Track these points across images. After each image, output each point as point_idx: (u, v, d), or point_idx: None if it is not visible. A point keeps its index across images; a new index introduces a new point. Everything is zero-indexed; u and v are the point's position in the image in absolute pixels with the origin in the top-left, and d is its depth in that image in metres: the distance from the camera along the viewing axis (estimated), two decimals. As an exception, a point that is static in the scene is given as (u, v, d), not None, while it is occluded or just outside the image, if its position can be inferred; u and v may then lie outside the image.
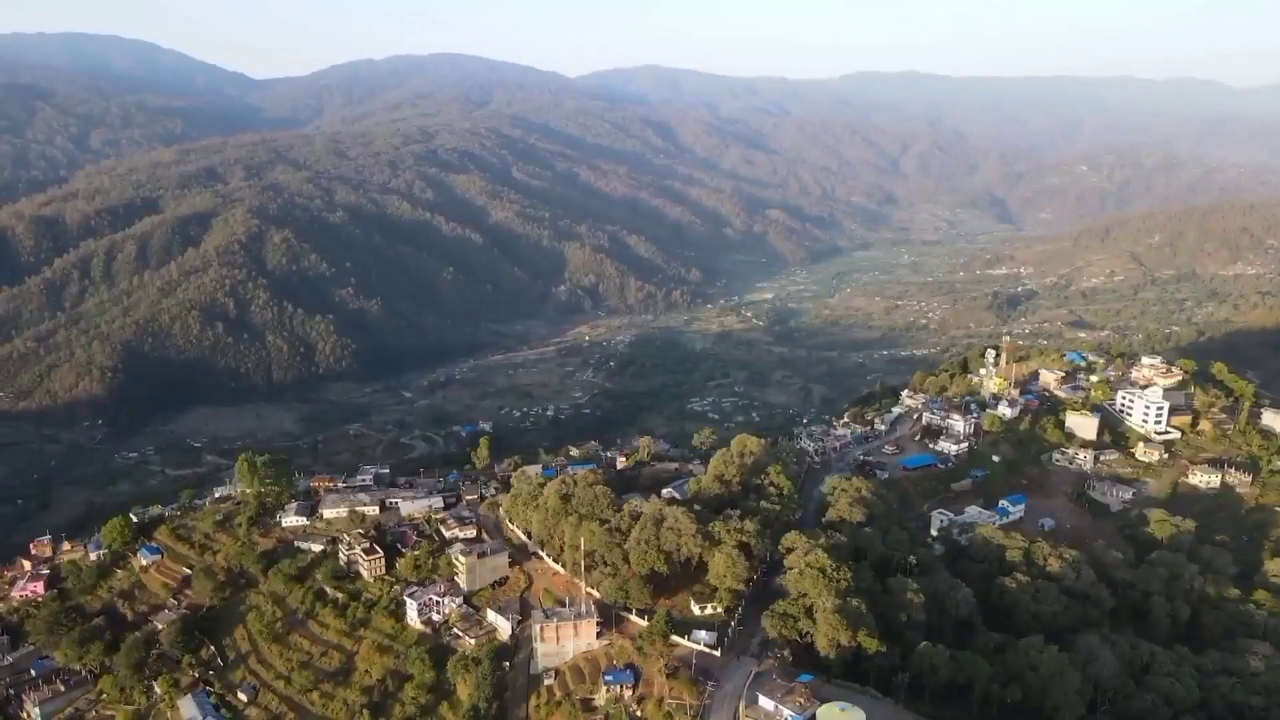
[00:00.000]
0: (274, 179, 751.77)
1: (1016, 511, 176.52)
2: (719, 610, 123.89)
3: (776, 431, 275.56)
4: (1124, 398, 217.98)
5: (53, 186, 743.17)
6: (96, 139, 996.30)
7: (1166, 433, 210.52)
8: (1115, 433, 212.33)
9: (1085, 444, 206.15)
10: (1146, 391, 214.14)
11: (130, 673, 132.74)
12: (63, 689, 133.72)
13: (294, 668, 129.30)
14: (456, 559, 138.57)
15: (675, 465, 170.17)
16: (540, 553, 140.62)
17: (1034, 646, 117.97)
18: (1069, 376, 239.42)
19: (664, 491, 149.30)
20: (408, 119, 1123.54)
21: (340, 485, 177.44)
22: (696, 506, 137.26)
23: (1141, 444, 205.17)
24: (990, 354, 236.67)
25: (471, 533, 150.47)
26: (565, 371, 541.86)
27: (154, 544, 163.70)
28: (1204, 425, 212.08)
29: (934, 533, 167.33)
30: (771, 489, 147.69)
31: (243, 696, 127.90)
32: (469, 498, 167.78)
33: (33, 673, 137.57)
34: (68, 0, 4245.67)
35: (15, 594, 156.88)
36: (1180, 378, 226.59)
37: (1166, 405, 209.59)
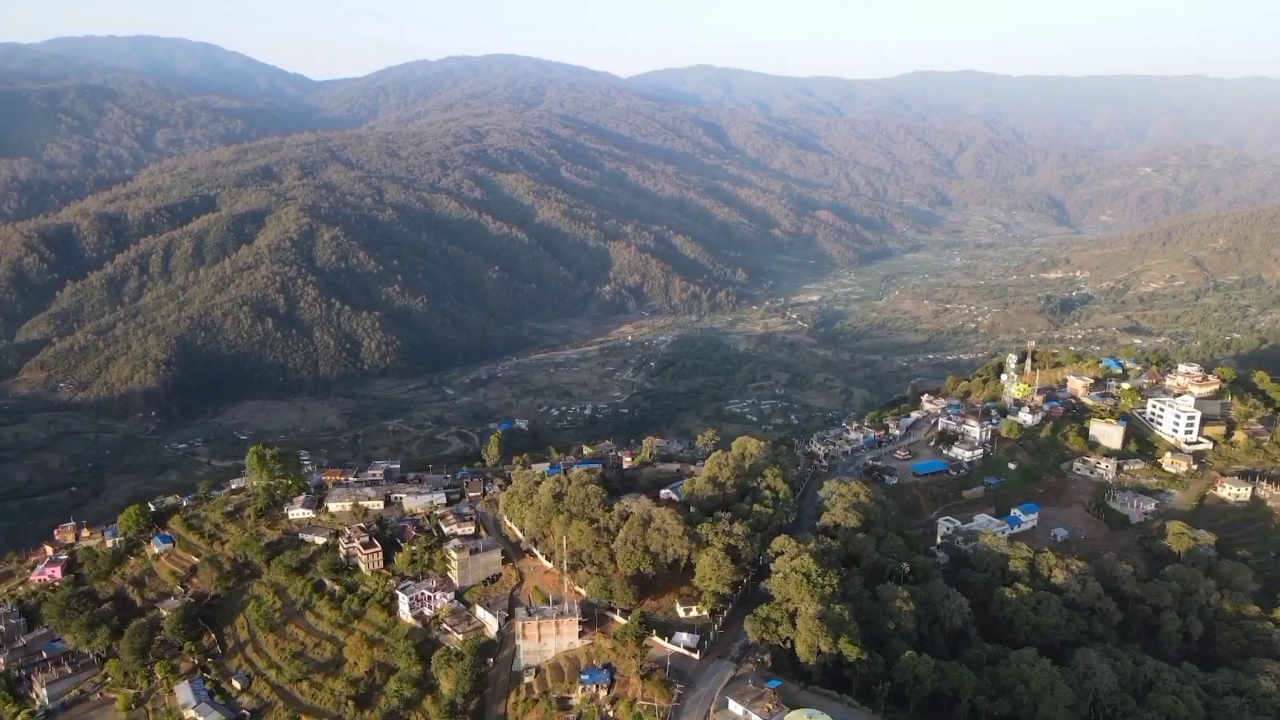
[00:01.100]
0: (327, 178, 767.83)
1: (1028, 521, 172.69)
2: (704, 613, 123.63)
3: (809, 436, 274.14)
4: (1154, 406, 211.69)
5: (117, 184, 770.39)
6: (161, 138, 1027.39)
7: (1197, 443, 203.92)
8: (1143, 442, 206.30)
9: (1109, 453, 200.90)
10: (1178, 400, 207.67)
11: (133, 658, 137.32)
12: (70, 671, 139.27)
13: (287, 657, 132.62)
14: (449, 555, 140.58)
15: (677, 466, 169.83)
16: (534, 550, 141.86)
17: (1025, 659, 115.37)
18: (1098, 383, 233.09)
19: (662, 492, 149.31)
20: (459, 119, 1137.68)
21: (350, 480, 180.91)
22: (692, 508, 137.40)
23: (1169, 454, 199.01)
24: (1012, 359, 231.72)
25: (470, 529, 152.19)
26: (605, 371, 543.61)
27: (167, 533, 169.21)
28: (1238, 436, 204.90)
29: (939, 540, 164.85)
30: (767, 492, 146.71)
31: (236, 684, 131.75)
32: (472, 494, 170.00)
33: (44, 654, 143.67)
34: (138, 4, 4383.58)
35: (34, 578, 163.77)
36: (1217, 386, 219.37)
37: (1198, 414, 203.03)
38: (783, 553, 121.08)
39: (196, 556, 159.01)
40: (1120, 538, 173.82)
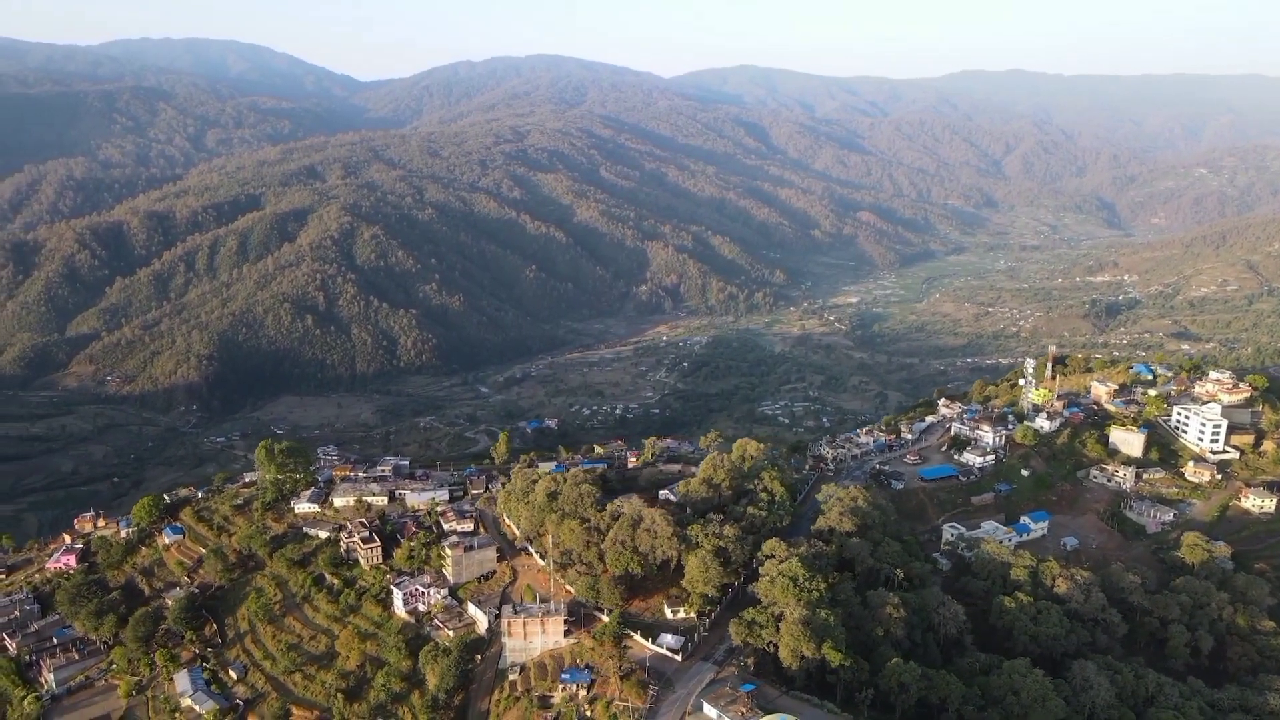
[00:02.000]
0: (369, 177, 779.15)
1: (1038, 529, 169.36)
2: (691, 615, 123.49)
3: (819, 439, 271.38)
4: (1180, 413, 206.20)
5: (168, 183, 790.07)
6: (211, 138, 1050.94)
7: (1223, 452, 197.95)
8: (1167, 450, 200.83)
9: (1129, 461, 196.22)
10: (1204, 407, 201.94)
11: (137, 645, 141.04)
12: (77, 657, 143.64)
13: (282, 649, 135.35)
14: (444, 551, 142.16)
15: (678, 467, 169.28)
16: (529, 549, 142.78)
17: (1017, 669, 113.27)
18: (1123, 390, 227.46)
19: (661, 493, 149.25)
20: (501, 119, 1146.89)
21: (360, 475, 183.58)
22: (689, 510, 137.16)
23: (1192, 463, 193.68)
24: (1029, 364, 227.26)
25: (469, 526, 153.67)
26: (639, 371, 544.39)
27: (178, 524, 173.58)
28: (1267, 445, 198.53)
29: (944, 547, 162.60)
30: (764, 495, 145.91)
31: (233, 674, 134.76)
32: (475, 492, 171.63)
33: (54, 640, 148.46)
34: (192, 7, 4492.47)
35: (50, 565, 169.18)
36: (1248, 394, 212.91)
37: (1225, 423, 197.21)
38: (773, 556, 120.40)
39: (204, 548, 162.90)
40: (1134, 548, 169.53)
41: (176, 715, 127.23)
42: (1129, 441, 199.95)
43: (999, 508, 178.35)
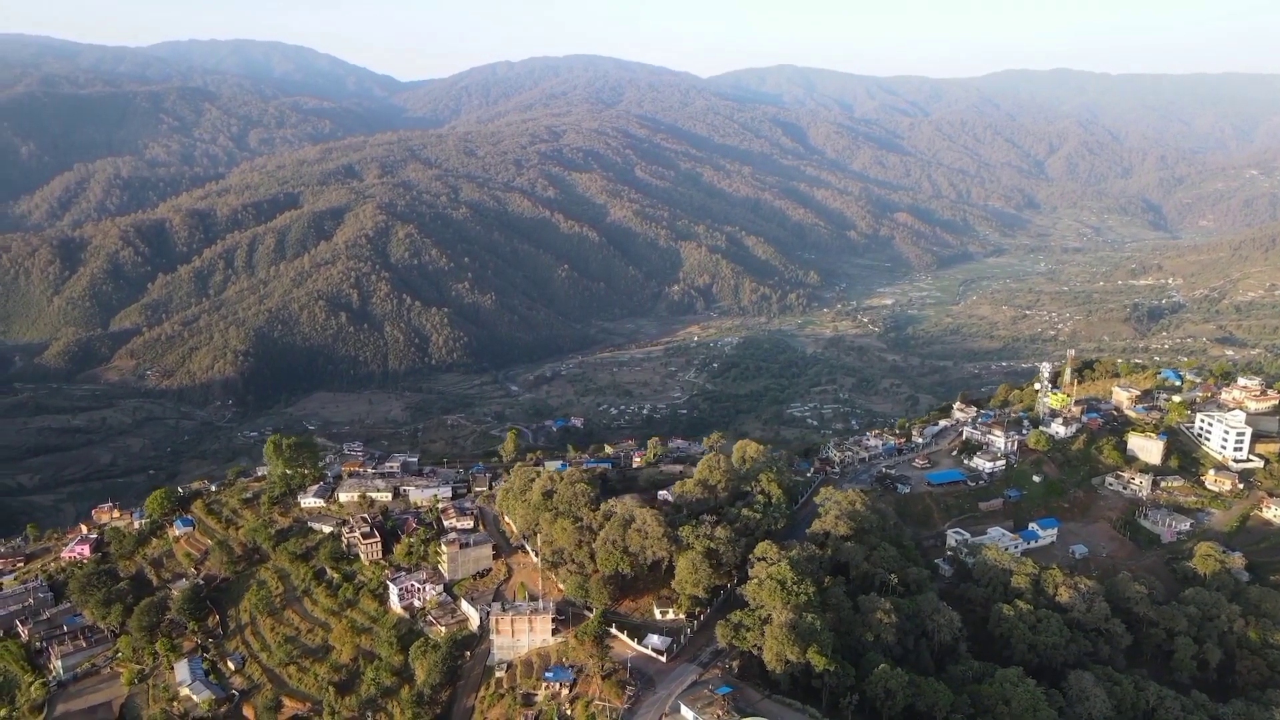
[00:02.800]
0: (405, 176, 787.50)
1: (1046, 536, 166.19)
2: (680, 616, 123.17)
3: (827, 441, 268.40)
4: (1203, 421, 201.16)
5: (210, 182, 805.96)
6: (254, 138, 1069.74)
7: (1247, 460, 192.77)
8: (1188, 458, 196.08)
9: (1146, 469, 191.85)
10: (1228, 415, 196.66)
11: (141, 635, 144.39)
12: (84, 644, 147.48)
13: (280, 641, 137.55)
14: (440, 548, 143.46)
15: (680, 468, 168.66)
16: (526, 546, 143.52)
17: (1009, 678, 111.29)
18: (1146, 396, 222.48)
19: (660, 494, 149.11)
20: (538, 119, 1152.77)
21: (369, 471, 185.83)
22: (685, 511, 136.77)
23: (1213, 472, 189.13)
24: (1045, 368, 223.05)
25: (469, 523, 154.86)
26: (668, 371, 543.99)
27: (188, 516, 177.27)
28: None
29: (947, 553, 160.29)
30: (761, 497, 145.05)
31: (231, 665, 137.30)
32: (478, 489, 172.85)
33: (64, 628, 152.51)
34: (238, 9, 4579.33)
35: (64, 555, 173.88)
36: (1276, 401, 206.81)
37: (1249, 430, 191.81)
38: (764, 558, 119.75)
39: (212, 540, 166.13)
40: (1147, 557, 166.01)
41: (174, 704, 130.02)
42: (1147, 448, 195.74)
43: (1008, 514, 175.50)
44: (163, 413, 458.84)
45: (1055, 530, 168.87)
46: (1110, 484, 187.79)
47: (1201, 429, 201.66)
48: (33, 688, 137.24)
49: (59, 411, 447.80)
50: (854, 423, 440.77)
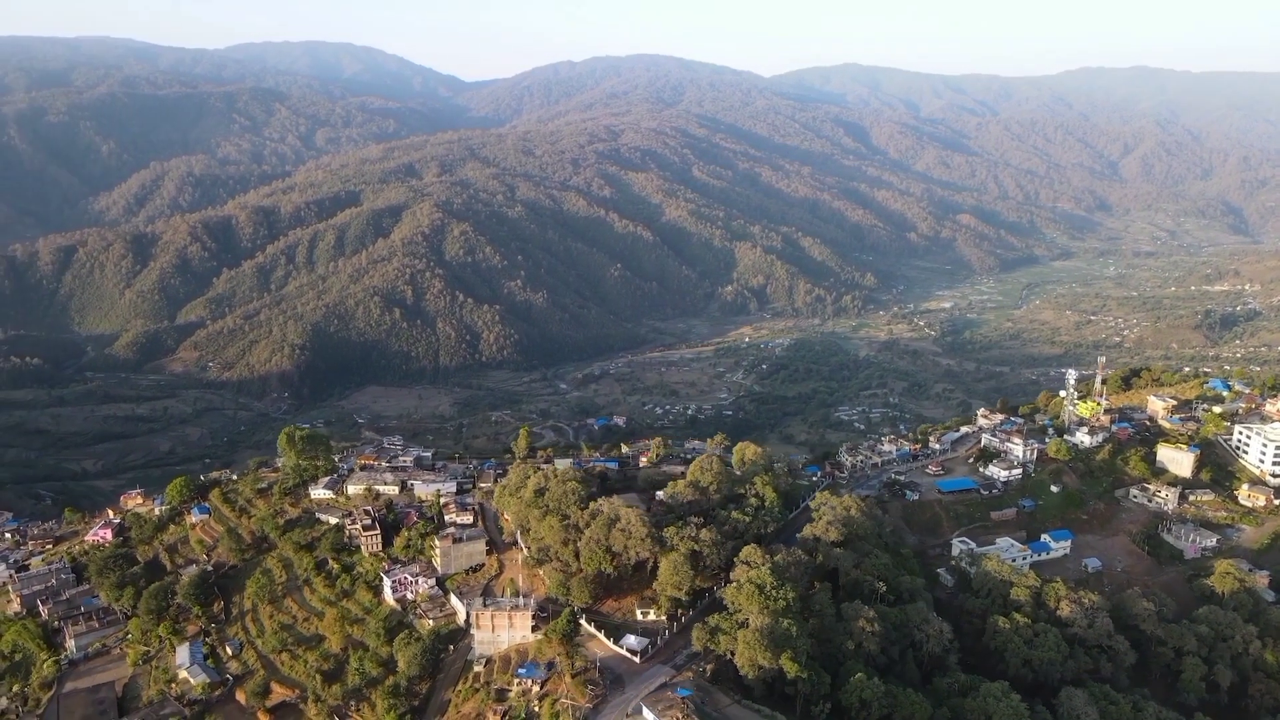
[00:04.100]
0: (463, 175, 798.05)
1: (1059, 548, 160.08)
2: (661, 617, 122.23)
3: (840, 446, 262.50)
4: (1241, 433, 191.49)
5: (277, 180, 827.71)
6: (321, 137, 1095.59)
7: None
8: (1223, 472, 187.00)
9: (1175, 481, 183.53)
10: (1268, 427, 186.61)
11: (149, 617, 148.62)
12: (97, 625, 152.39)
13: (276, 629, 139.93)
14: (433, 542, 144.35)
15: (682, 469, 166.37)
16: (520, 543, 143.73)
17: (993, 693, 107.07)
18: (1183, 405, 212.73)
19: (658, 494, 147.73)
20: (597, 118, 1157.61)
21: (383, 465, 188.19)
22: (674, 512, 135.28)
23: (1247, 486, 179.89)
24: (1071, 375, 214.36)
25: (469, 519, 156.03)
26: (716, 372, 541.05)
27: (205, 504, 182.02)
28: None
29: (951, 562, 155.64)
30: (754, 500, 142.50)
31: (229, 650, 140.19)
32: (483, 485, 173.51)
33: (81, 608, 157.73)
34: (310, 11, 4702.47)
35: (88, 538, 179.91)
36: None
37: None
38: (748, 562, 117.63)
39: (224, 528, 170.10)
40: (1165, 573, 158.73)
41: (172, 685, 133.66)
42: (1178, 460, 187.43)
43: (1020, 524, 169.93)
44: (222, 403, 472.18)
45: (1069, 542, 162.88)
46: (1134, 496, 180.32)
47: (1240, 441, 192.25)
48: (45, 665, 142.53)
49: (125, 400, 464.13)
50: (902, 427, 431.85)
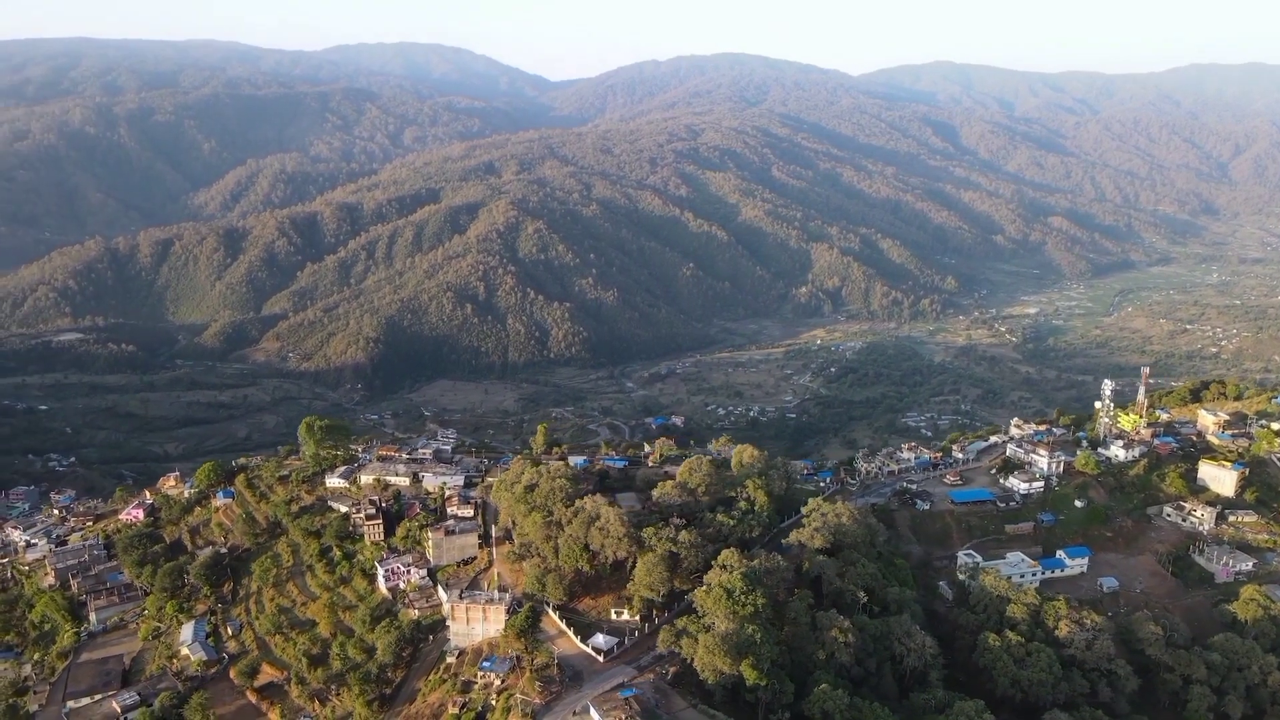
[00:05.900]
0: (541, 173, 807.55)
1: (1075, 565, 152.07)
2: (634, 617, 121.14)
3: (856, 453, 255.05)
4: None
5: (363, 177, 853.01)
6: (408, 135, 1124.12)
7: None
8: (1271, 492, 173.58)
9: (1215, 500, 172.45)
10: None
11: (163, 594, 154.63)
12: (117, 600, 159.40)
13: (275, 611, 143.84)
14: (426, 534, 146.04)
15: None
16: (511, 537, 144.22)
17: (967, 711, 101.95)
18: (1236, 421, 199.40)
19: (654, 494, 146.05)
20: (678, 117, 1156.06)
21: (404, 456, 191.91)
22: (658, 513, 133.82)
23: None
24: (1108, 385, 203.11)
25: (469, 512, 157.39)
26: (784, 374, 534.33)
27: (230, 488, 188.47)
28: None
29: (956, 575, 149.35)
30: (744, 504, 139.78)
31: (229, 630, 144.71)
32: (490, 480, 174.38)
33: (107, 584, 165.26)
34: (405, 13, 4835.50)
35: (122, 516, 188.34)
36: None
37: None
38: (725, 566, 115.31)
39: (242, 511, 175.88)
40: (1190, 597, 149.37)
41: (172, 661, 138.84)
42: (1219, 478, 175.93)
43: (1037, 539, 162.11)
44: (298, 393, 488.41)
45: (1085, 560, 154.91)
46: (1168, 514, 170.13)
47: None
48: (66, 636, 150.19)
49: (209, 388, 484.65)
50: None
